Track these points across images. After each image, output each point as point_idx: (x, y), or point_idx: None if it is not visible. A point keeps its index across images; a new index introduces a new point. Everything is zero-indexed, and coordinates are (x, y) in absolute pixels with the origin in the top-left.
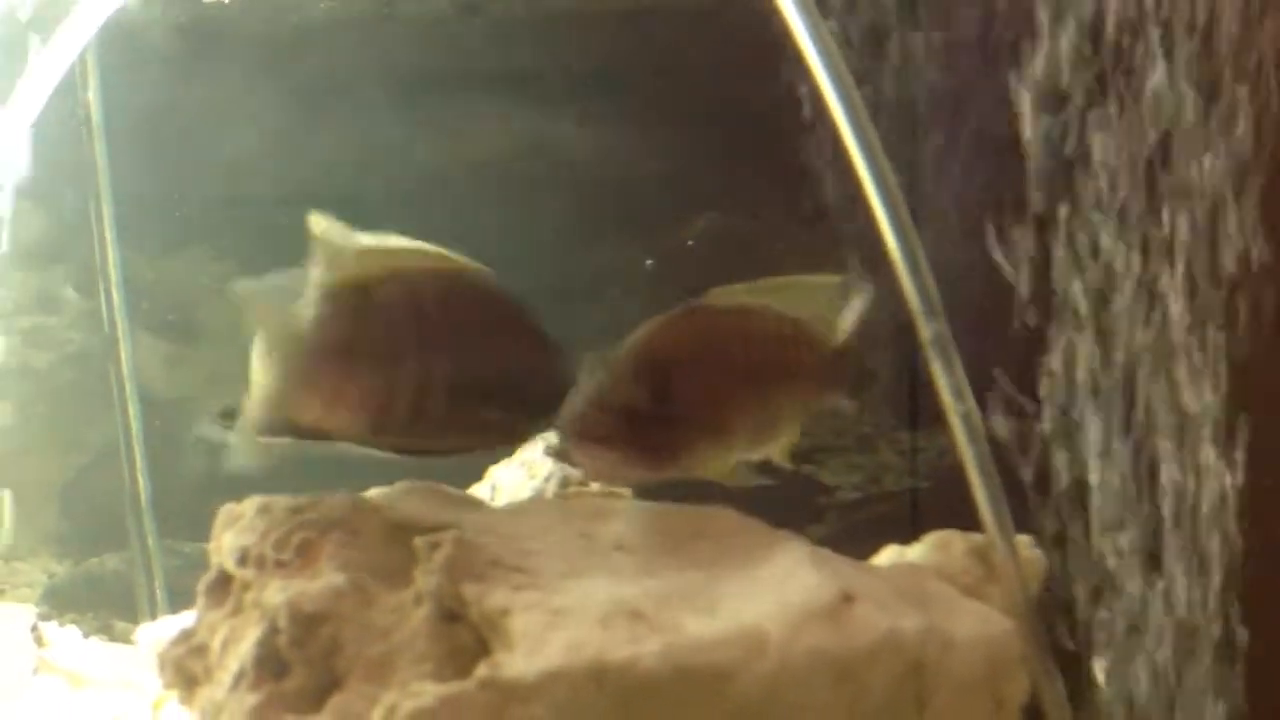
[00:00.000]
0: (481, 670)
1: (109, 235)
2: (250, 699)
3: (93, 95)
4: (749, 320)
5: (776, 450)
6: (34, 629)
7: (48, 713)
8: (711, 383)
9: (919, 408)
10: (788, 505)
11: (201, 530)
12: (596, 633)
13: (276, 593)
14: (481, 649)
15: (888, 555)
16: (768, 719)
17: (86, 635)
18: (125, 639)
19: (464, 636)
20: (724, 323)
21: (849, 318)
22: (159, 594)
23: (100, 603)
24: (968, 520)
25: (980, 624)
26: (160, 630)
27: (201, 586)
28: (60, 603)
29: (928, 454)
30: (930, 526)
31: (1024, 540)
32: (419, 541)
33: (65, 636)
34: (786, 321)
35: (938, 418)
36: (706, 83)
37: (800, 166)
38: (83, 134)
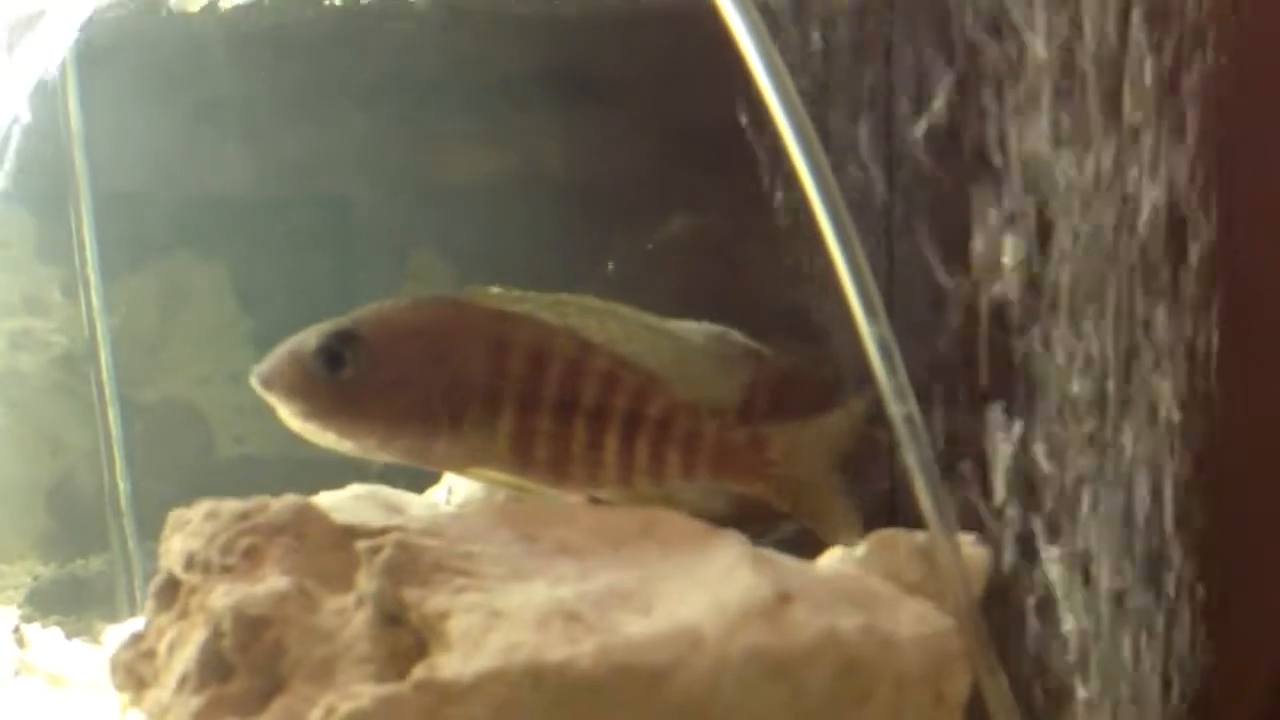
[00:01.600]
0: (418, 672)
1: (88, 238)
2: (194, 701)
3: (71, 98)
4: (537, 333)
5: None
6: (16, 630)
7: (27, 714)
8: (419, 362)
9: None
10: (757, 503)
11: None
12: (533, 634)
13: (221, 597)
14: (421, 651)
15: (830, 555)
16: (706, 718)
17: (69, 637)
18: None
19: (405, 639)
20: (468, 314)
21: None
22: (139, 596)
23: (83, 605)
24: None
25: (920, 622)
26: (125, 633)
27: (151, 590)
28: (44, 604)
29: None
30: (905, 525)
31: (966, 538)
32: (361, 545)
33: (47, 638)
34: (611, 359)
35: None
36: (680, 86)
37: (763, 169)
38: (62, 136)
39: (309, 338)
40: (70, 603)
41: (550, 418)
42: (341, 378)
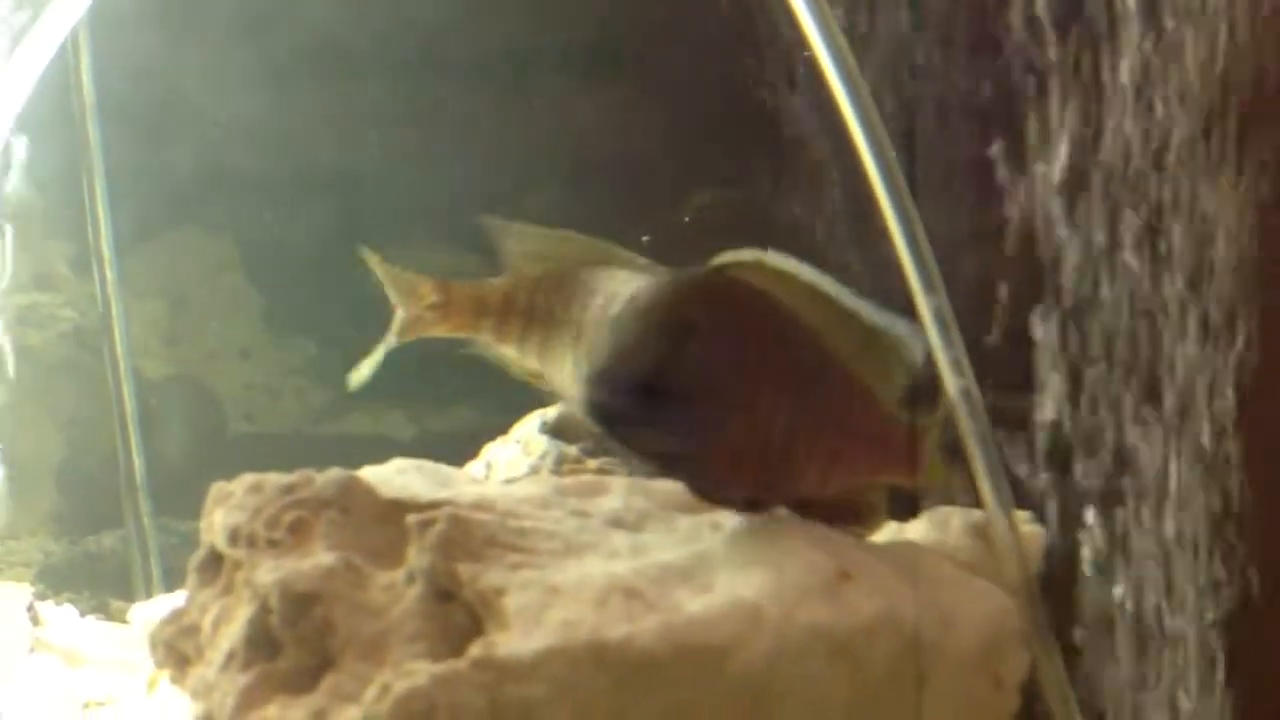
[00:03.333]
0: (475, 649)
1: (102, 212)
2: (242, 679)
3: (85, 71)
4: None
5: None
6: (30, 608)
7: (43, 691)
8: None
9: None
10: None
11: (197, 508)
12: (593, 611)
13: (268, 572)
14: (476, 628)
15: (886, 533)
16: (766, 696)
17: (83, 614)
18: (121, 618)
19: (458, 616)
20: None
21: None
22: (154, 572)
23: (97, 581)
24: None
25: (979, 601)
26: (154, 609)
27: (192, 565)
28: (57, 581)
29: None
30: (931, 505)
31: (1023, 516)
32: (411, 519)
33: (61, 615)
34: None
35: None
36: (706, 57)
37: (796, 141)
38: (75, 110)
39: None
40: (82, 580)
41: (778, 428)
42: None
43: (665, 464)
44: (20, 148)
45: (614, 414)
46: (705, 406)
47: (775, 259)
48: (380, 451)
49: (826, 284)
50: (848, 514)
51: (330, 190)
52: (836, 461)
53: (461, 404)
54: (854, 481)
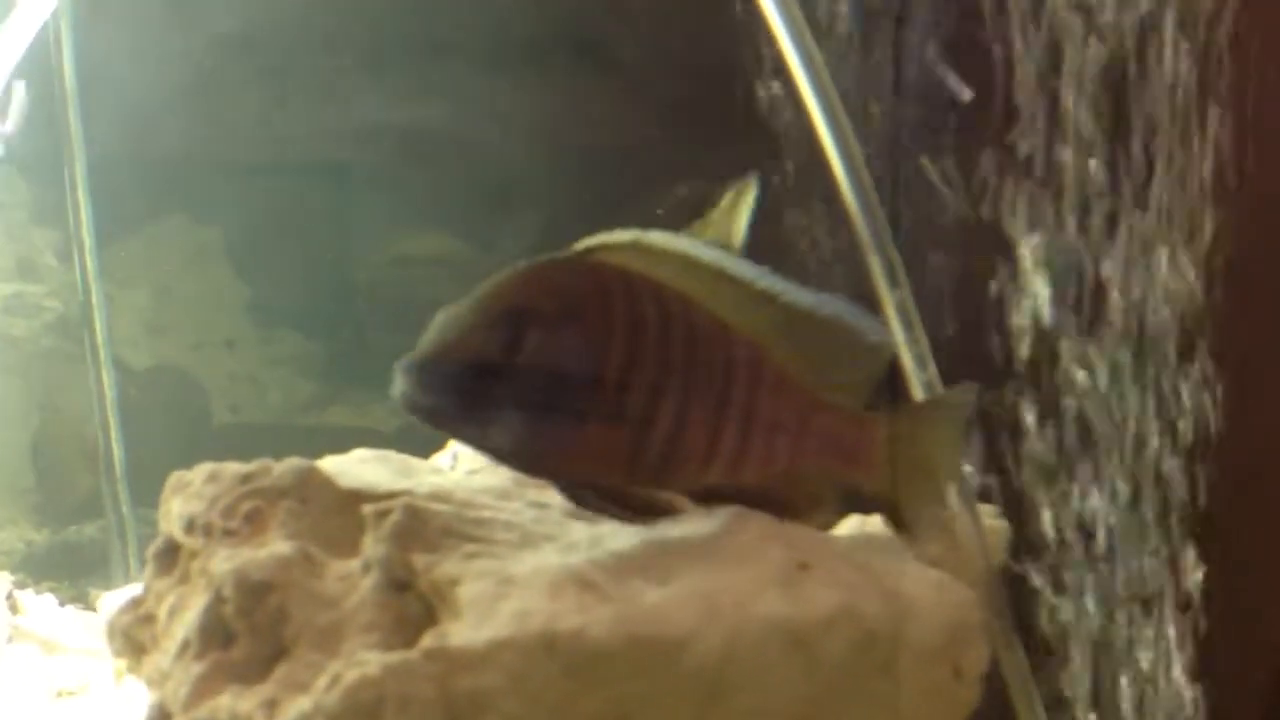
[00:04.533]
0: (428, 639)
1: (83, 200)
2: (195, 668)
3: (66, 58)
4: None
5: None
6: (9, 596)
7: (17, 679)
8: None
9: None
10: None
11: None
12: (546, 602)
13: (223, 561)
14: (430, 619)
15: (849, 525)
16: (722, 688)
17: (63, 603)
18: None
19: (413, 606)
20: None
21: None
22: (134, 562)
23: (77, 571)
24: None
25: (940, 592)
26: (122, 598)
27: (149, 554)
28: (37, 571)
29: None
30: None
31: (987, 509)
32: (368, 509)
33: (40, 604)
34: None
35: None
36: (685, 51)
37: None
38: (57, 98)
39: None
40: (63, 569)
41: (662, 416)
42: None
43: (513, 460)
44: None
45: (425, 409)
46: (553, 398)
47: (660, 239)
48: (363, 443)
49: (733, 264)
50: (777, 505)
51: (316, 181)
52: (746, 450)
53: None
54: (775, 471)
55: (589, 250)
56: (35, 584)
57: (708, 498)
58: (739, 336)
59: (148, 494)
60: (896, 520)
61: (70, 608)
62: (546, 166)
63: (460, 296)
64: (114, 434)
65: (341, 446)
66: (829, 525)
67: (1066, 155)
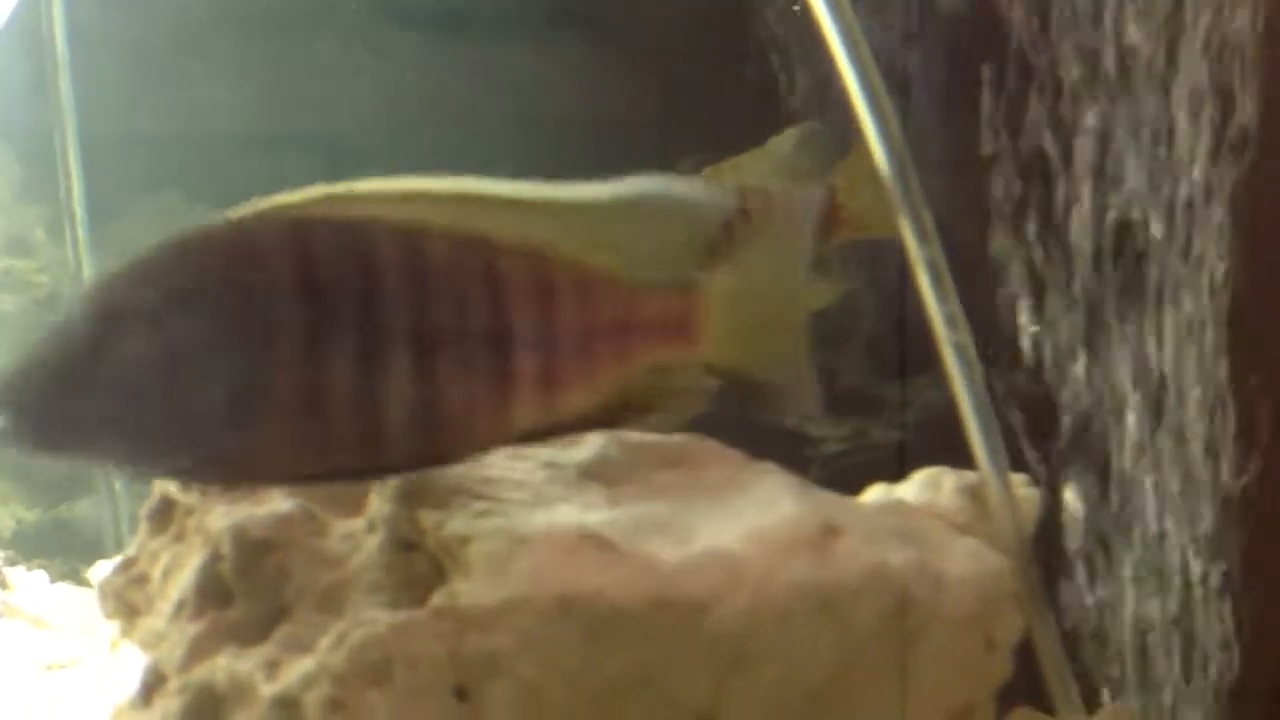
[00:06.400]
0: (437, 598)
1: (74, 174)
2: (191, 629)
3: (58, 29)
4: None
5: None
6: None
7: (8, 655)
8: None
9: (906, 358)
10: (771, 457)
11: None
12: (563, 561)
13: (221, 518)
14: (439, 579)
15: (876, 493)
16: (746, 652)
17: (54, 580)
18: (92, 584)
19: (420, 566)
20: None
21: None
22: (125, 539)
23: (69, 548)
24: None
25: (973, 561)
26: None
27: (143, 512)
28: (27, 548)
29: (914, 405)
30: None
31: (1018, 478)
32: None
33: (31, 581)
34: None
35: (920, 367)
36: (690, 21)
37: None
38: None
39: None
40: (54, 546)
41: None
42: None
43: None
44: None
45: (18, 436)
46: (206, 391)
47: (371, 185)
48: None
49: (488, 186)
50: (624, 421)
51: (313, 155)
52: (557, 373)
53: None
54: (606, 385)
55: (260, 214)
56: (26, 561)
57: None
58: (510, 256)
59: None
60: (757, 395)
61: (61, 585)
62: (549, 137)
63: None
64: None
65: None
66: (682, 426)
67: None
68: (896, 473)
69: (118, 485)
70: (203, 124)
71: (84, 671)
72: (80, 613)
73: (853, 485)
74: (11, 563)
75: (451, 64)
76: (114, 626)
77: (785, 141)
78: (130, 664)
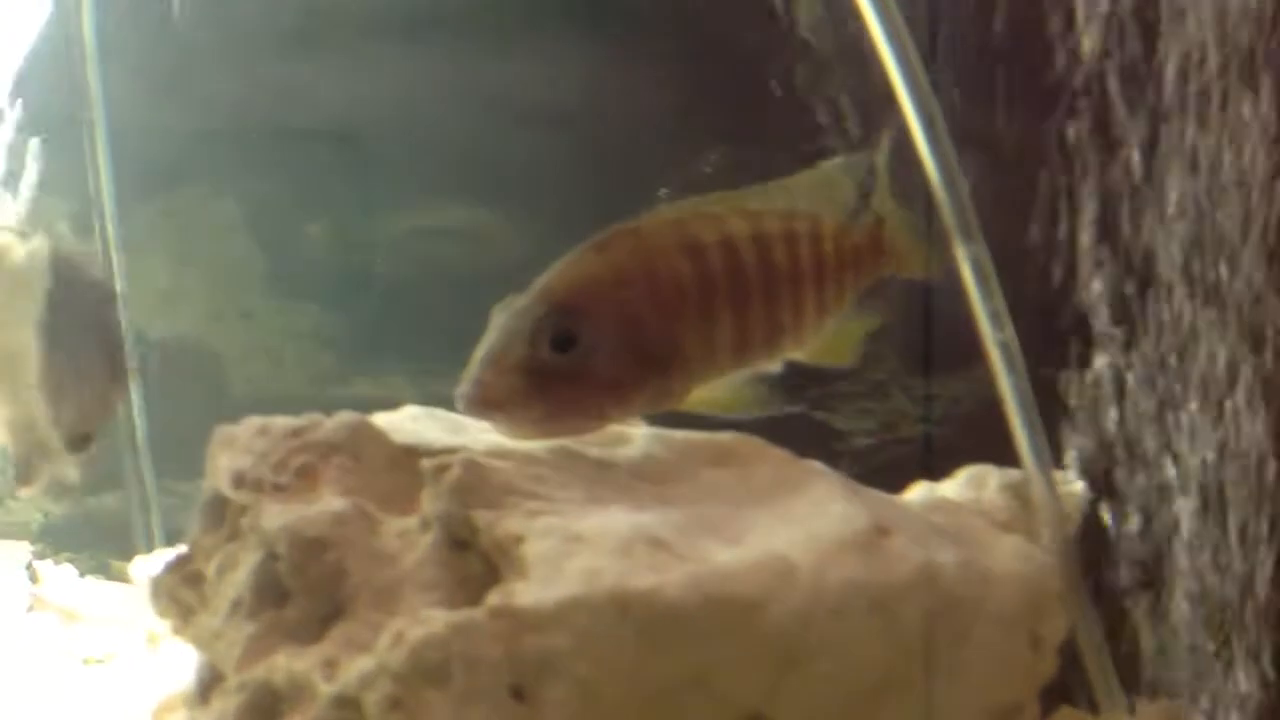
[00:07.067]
0: (493, 598)
1: (103, 167)
2: (248, 627)
3: (86, 22)
4: (702, 228)
5: (818, 352)
6: (28, 566)
7: (39, 648)
8: (642, 311)
9: (932, 353)
10: (800, 450)
11: (198, 470)
12: (617, 560)
13: (275, 517)
14: (493, 577)
15: (919, 491)
16: (799, 651)
17: (82, 574)
18: (121, 578)
19: (474, 564)
20: (655, 242)
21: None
22: (156, 533)
23: (97, 542)
24: None
25: (1019, 559)
26: (157, 563)
27: (196, 510)
28: (56, 542)
29: (942, 400)
30: (945, 473)
31: (1061, 475)
32: (426, 464)
33: (60, 574)
34: (769, 217)
35: (949, 364)
36: (714, 14)
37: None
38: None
39: (515, 330)
40: (83, 540)
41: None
42: (573, 361)
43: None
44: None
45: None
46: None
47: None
48: None
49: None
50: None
51: (340, 149)
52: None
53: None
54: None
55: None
56: (55, 555)
57: None
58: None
59: (168, 466)
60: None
61: (90, 578)
62: (573, 134)
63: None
64: (135, 405)
65: None
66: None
67: None
68: (925, 466)
69: (147, 479)
70: (229, 117)
71: (122, 666)
72: (110, 606)
73: (882, 480)
74: (40, 556)
75: (481, 58)
76: (165, 625)
77: (834, 166)
78: (172, 660)
